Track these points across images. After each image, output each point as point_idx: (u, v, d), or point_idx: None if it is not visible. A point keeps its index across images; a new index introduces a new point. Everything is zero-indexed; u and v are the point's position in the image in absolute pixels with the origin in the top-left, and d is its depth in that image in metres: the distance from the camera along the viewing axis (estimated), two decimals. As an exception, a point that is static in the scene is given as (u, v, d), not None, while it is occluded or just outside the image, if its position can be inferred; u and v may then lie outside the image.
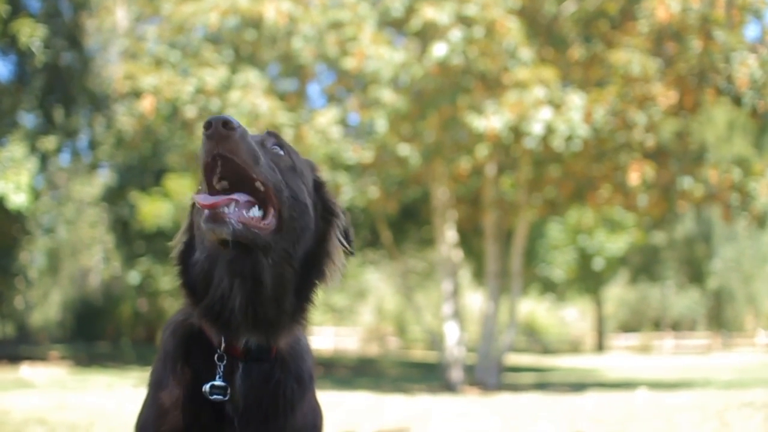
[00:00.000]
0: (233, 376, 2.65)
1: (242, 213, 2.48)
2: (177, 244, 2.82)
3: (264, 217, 2.57)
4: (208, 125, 2.46)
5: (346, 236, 2.95)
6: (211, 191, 2.54)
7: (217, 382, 2.62)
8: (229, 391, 2.62)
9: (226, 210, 2.45)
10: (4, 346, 34.28)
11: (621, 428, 9.89)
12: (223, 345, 2.64)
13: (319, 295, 2.83)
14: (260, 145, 2.68)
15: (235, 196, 2.50)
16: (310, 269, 2.74)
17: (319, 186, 2.91)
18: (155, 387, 2.76)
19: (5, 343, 37.42)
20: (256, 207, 2.56)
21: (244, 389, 2.65)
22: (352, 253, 2.97)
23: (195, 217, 2.75)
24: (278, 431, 2.67)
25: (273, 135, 2.84)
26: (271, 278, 2.59)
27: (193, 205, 2.82)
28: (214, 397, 2.60)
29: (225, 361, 2.64)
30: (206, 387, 2.61)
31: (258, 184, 2.57)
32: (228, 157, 2.49)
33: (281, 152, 2.77)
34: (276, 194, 2.60)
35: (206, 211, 2.44)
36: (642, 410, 12.41)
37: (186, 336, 2.75)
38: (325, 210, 2.87)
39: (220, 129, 2.45)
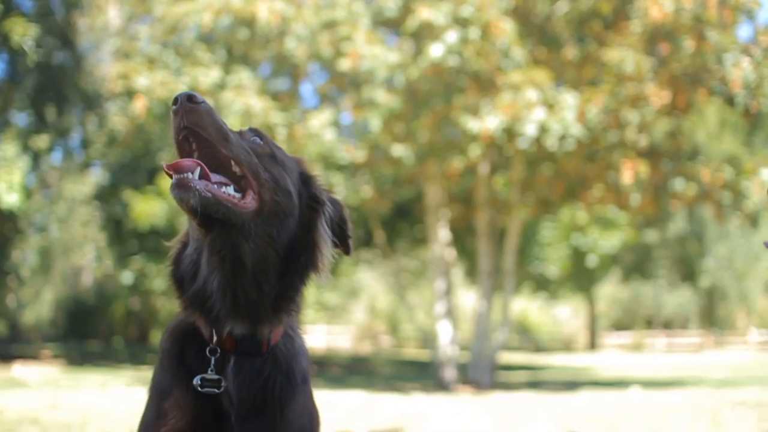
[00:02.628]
0: (225, 370, 2.66)
1: (212, 185, 2.49)
2: (174, 246, 2.83)
3: (243, 197, 2.59)
4: (174, 101, 2.52)
5: (343, 230, 2.96)
6: None
7: (209, 375, 2.63)
8: (223, 384, 2.63)
9: (190, 176, 2.45)
10: (-4, 345, 34.20)
11: (614, 428, 9.92)
12: (215, 338, 2.66)
13: (309, 284, 2.82)
14: (238, 134, 2.72)
15: (205, 168, 2.51)
16: (297, 256, 2.74)
17: (305, 178, 2.91)
18: (155, 388, 2.78)
19: (-3, 341, 37.36)
20: (232, 187, 2.58)
21: (237, 383, 2.66)
22: (348, 251, 2.99)
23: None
24: (270, 427, 2.68)
25: (253, 130, 2.84)
26: (251, 260, 2.60)
27: None
28: (206, 390, 2.62)
29: (217, 355, 2.66)
30: (197, 380, 2.63)
31: (235, 168, 2.61)
32: (199, 136, 2.53)
33: (260, 142, 2.79)
34: (253, 176, 2.62)
35: (173, 179, 2.45)
36: (635, 409, 12.46)
37: (182, 334, 2.77)
38: (312, 199, 2.85)
39: (185, 102, 2.50)
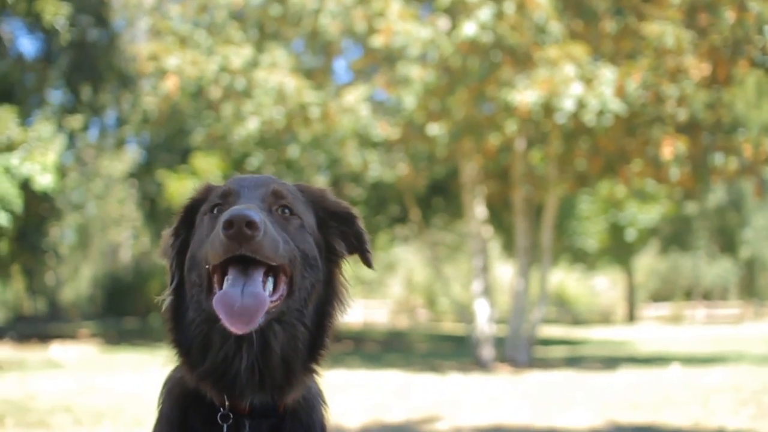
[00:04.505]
0: None
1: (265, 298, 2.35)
2: (165, 297, 2.66)
3: (275, 287, 2.43)
4: (229, 225, 2.26)
5: (361, 243, 2.79)
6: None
7: None
8: None
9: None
10: (35, 324, 34.60)
11: (655, 415, 9.74)
12: (227, 403, 2.47)
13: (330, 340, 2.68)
14: (268, 211, 2.50)
15: (260, 290, 2.35)
16: (322, 316, 2.61)
17: (320, 221, 2.72)
18: None
19: (37, 320, 37.78)
20: (270, 279, 2.42)
21: None
22: (369, 265, 2.82)
23: (187, 274, 2.59)
24: None
25: (277, 195, 2.59)
26: (280, 342, 2.45)
27: (176, 256, 2.71)
28: None
29: (230, 422, 2.48)
30: None
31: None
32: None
33: (288, 213, 2.57)
34: (290, 264, 2.45)
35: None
36: (676, 392, 12.25)
37: (183, 396, 2.59)
38: (330, 252, 2.71)
39: (243, 230, 2.26)
